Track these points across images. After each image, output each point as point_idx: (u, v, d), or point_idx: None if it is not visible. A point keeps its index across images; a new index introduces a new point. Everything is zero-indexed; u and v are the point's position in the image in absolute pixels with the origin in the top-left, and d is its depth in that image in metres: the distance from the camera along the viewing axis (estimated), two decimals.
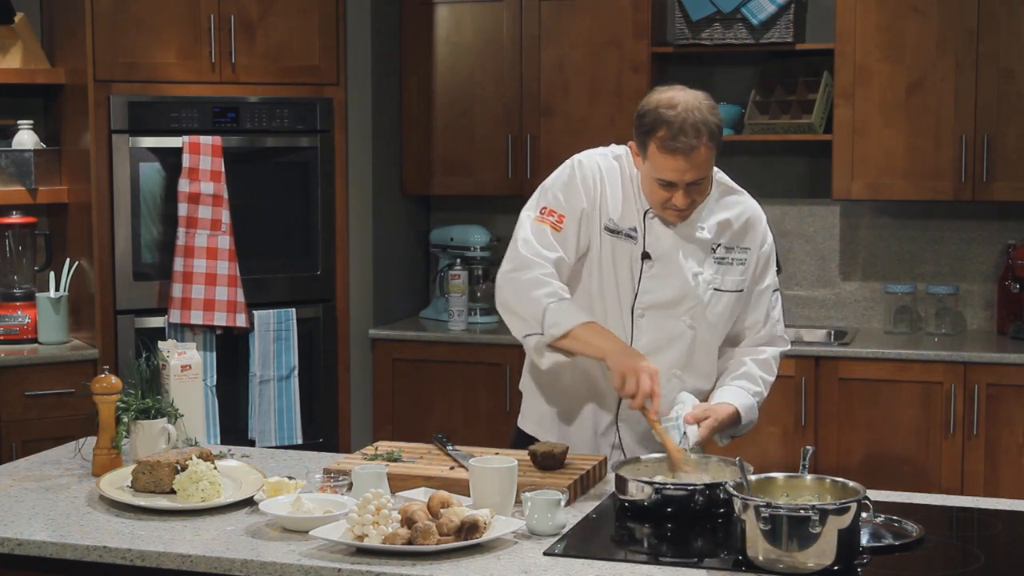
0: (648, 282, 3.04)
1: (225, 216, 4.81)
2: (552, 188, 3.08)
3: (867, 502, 2.38)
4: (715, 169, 3.06)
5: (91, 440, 3.10)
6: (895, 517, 2.60)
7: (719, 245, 3.08)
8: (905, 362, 4.74)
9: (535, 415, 3.21)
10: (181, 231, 4.77)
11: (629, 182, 3.07)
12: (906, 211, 5.26)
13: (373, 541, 2.39)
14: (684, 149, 2.87)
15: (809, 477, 2.50)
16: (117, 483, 2.81)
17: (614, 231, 3.05)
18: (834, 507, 2.27)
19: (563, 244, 3.03)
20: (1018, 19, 4.79)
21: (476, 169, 5.45)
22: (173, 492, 2.72)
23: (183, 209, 4.77)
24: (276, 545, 2.47)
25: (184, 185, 4.78)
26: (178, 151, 4.79)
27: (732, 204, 3.13)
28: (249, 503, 2.71)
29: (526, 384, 3.25)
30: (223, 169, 4.82)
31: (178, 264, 4.77)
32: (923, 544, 2.48)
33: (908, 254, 5.29)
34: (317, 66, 5.10)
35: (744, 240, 3.11)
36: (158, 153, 4.82)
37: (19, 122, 4.95)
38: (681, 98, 2.92)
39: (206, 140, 4.80)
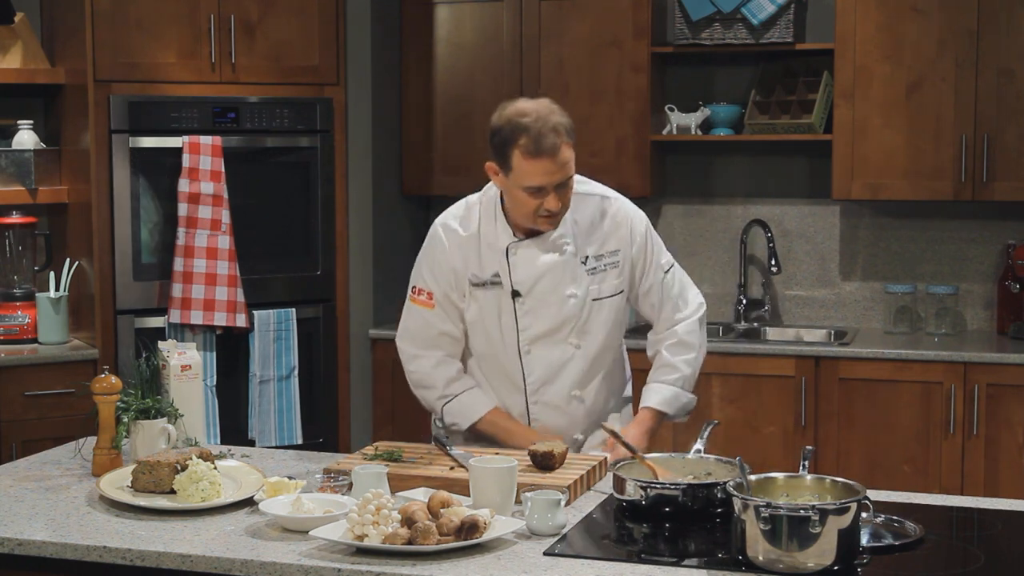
0: (524, 319, 3.14)
1: (225, 216, 4.81)
2: (418, 264, 3.25)
3: (867, 502, 2.38)
4: None
5: (91, 440, 3.10)
6: (895, 517, 2.59)
7: (587, 256, 3.16)
8: (905, 362, 4.74)
9: None
10: (181, 231, 4.77)
11: (491, 222, 3.16)
12: (906, 211, 5.26)
13: (373, 541, 2.39)
14: (549, 150, 2.96)
15: (809, 477, 2.50)
16: (117, 483, 2.81)
17: (480, 284, 3.15)
18: (834, 507, 2.27)
19: (440, 319, 3.19)
20: (1018, 19, 4.79)
21: (476, 169, 5.39)
22: (173, 492, 2.72)
23: (183, 209, 4.77)
24: (276, 545, 2.47)
25: (184, 185, 4.78)
26: (178, 151, 4.79)
27: (591, 206, 3.19)
28: (249, 503, 2.71)
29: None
30: (223, 169, 4.82)
31: (178, 264, 4.77)
32: (923, 544, 2.48)
33: (908, 254, 5.29)
34: (317, 66, 5.10)
35: (611, 243, 3.18)
36: (158, 153, 4.82)
37: (19, 122, 4.95)
38: (531, 106, 3.05)
39: (206, 140, 4.80)
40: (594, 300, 3.15)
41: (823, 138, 5.09)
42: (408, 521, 2.41)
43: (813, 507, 2.25)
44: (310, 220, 5.12)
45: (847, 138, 4.98)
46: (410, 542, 2.38)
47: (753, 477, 2.45)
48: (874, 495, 2.61)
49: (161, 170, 4.83)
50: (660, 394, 3.22)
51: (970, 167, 4.85)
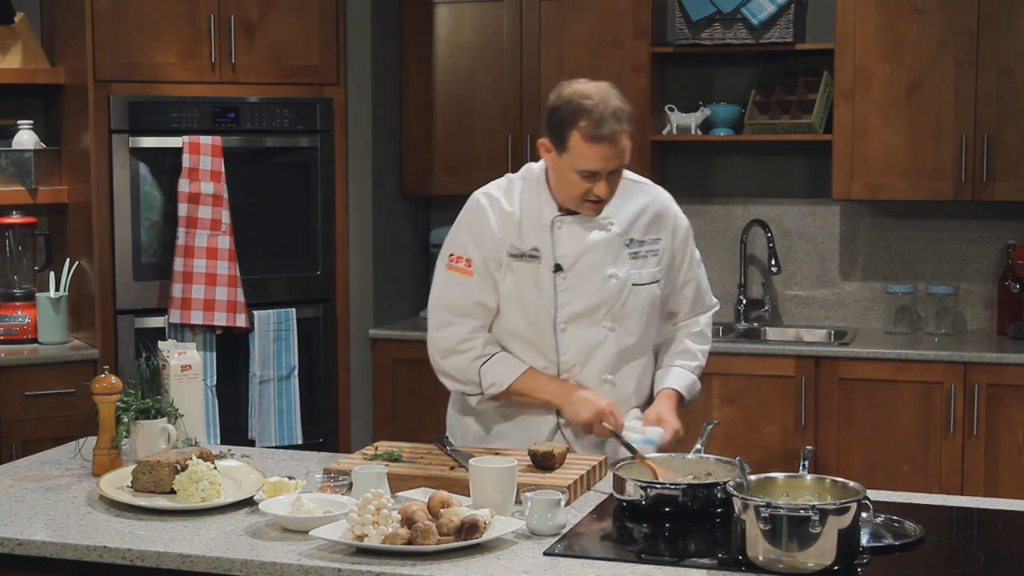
0: (564, 295, 3.11)
1: (225, 216, 4.81)
2: (456, 232, 3.18)
3: (867, 502, 2.38)
4: None
5: (91, 440, 3.10)
6: (895, 517, 2.59)
7: (631, 240, 3.15)
8: (905, 362, 4.74)
9: (465, 433, 3.27)
10: (181, 231, 4.77)
11: (534, 197, 3.13)
12: (906, 211, 5.26)
13: (373, 541, 2.39)
14: (609, 136, 2.96)
15: (809, 477, 2.50)
16: (117, 483, 2.81)
17: (518, 255, 3.11)
18: (834, 507, 2.27)
19: (478, 288, 3.12)
20: (1018, 19, 4.79)
21: (476, 169, 5.44)
22: (173, 492, 2.72)
23: (183, 209, 4.77)
24: (276, 545, 2.47)
25: (184, 185, 4.78)
26: (178, 151, 4.79)
27: (638, 194, 3.20)
28: (249, 503, 2.71)
29: (455, 408, 3.33)
30: (223, 169, 4.82)
31: (178, 264, 4.77)
32: (923, 544, 2.48)
33: (908, 254, 5.29)
34: (317, 66, 5.10)
35: (654, 231, 3.19)
36: (158, 153, 4.82)
37: (19, 122, 4.95)
38: (592, 89, 3.03)
39: (206, 140, 4.80)
40: (633, 285, 3.14)
41: (823, 138, 5.09)
42: (408, 521, 2.41)
43: (813, 507, 2.25)
44: (310, 220, 5.12)
45: (847, 138, 4.98)
46: (410, 542, 2.38)
47: (753, 477, 2.45)
48: (874, 495, 2.61)
49: (161, 170, 4.84)
50: (685, 379, 3.25)
51: (970, 167, 4.86)
